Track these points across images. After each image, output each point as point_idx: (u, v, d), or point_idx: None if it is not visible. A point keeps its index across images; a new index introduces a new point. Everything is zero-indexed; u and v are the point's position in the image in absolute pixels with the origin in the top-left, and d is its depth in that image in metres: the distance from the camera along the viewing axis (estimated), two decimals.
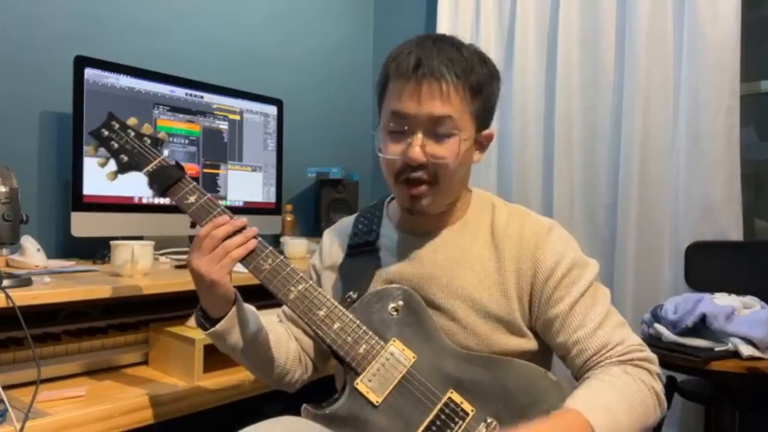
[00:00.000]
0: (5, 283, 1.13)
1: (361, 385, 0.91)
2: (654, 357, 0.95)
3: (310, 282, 0.97)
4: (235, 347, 1.00)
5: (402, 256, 1.03)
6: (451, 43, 0.97)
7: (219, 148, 1.98)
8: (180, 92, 1.87)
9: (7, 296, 1.07)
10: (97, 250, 1.66)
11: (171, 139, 1.84)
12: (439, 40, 0.97)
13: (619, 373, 0.91)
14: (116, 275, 1.38)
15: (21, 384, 1.22)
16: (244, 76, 2.24)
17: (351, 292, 1.00)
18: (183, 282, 1.34)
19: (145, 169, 1.04)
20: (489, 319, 0.97)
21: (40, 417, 1.06)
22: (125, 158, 1.06)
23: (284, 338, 1.08)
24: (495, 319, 0.97)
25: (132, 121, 1.10)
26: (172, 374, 1.34)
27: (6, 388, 1.13)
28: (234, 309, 0.98)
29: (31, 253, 1.45)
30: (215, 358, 1.11)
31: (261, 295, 1.10)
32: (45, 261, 1.48)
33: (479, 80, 0.96)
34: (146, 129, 1.10)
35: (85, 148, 1.14)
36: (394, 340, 0.94)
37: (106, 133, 1.08)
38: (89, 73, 1.63)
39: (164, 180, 1.03)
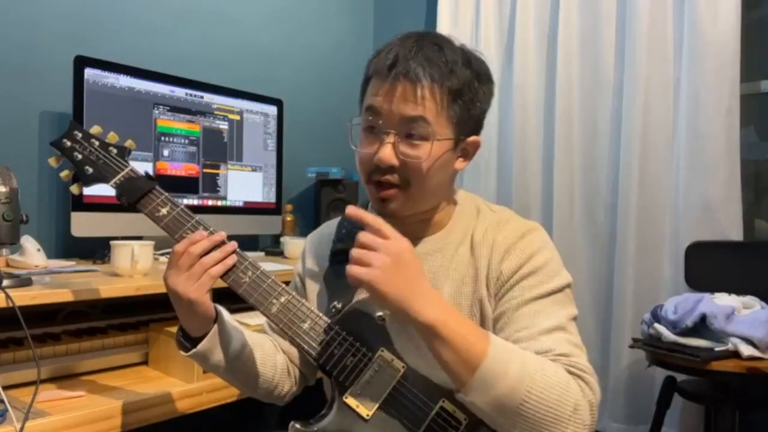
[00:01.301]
0: (5, 283, 1.13)
1: (350, 398, 0.88)
2: (597, 389, 0.84)
3: (293, 294, 0.93)
4: (218, 367, 0.97)
5: None
6: (434, 42, 0.93)
7: (219, 148, 1.98)
8: (180, 92, 1.87)
9: (7, 296, 1.07)
10: (97, 250, 1.66)
11: (171, 139, 1.84)
12: (422, 38, 0.93)
13: (545, 359, 0.83)
14: (116, 275, 1.38)
15: (21, 384, 1.22)
16: (244, 76, 2.24)
17: (335, 302, 0.96)
18: None
19: (112, 181, 0.99)
20: None
21: (40, 417, 1.06)
22: (90, 170, 1.01)
23: (271, 352, 1.05)
24: None
25: (96, 129, 1.04)
26: (172, 374, 1.34)
27: (6, 388, 1.13)
28: (215, 328, 0.94)
29: (31, 253, 1.46)
30: None
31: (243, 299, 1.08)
32: (45, 261, 1.48)
33: (460, 83, 0.91)
34: (111, 138, 1.04)
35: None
36: (382, 350, 0.90)
37: (68, 143, 1.02)
38: (89, 73, 1.63)
39: (133, 192, 0.97)
